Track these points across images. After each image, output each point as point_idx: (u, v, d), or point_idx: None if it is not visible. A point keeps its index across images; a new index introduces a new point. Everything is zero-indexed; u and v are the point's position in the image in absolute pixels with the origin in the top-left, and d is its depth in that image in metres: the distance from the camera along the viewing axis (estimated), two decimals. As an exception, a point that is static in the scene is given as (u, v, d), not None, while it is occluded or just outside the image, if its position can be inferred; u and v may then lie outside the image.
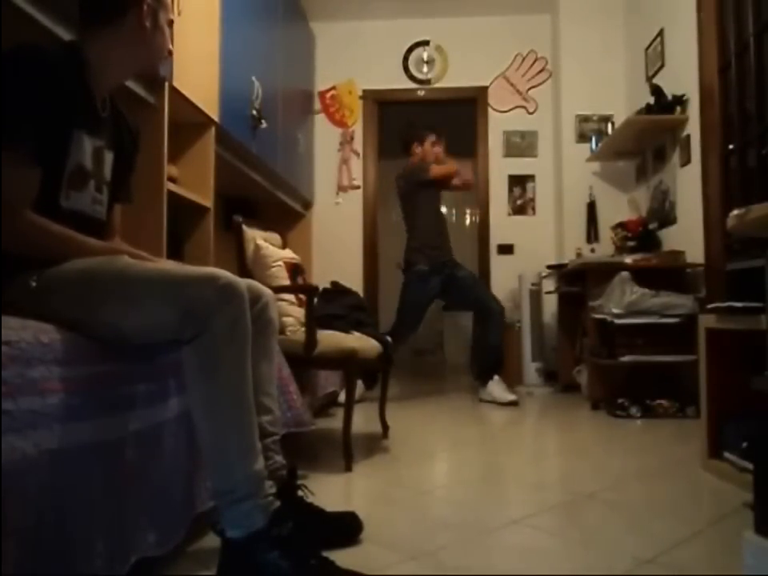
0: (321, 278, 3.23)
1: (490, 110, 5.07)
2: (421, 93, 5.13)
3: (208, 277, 1.17)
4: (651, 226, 3.98)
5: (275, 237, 2.65)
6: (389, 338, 2.54)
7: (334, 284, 2.89)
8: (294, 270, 2.48)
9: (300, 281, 2.50)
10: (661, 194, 3.96)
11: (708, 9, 3.26)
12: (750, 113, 2.92)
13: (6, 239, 1.17)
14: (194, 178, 2.67)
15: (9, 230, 1.16)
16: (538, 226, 4.96)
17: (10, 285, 1.20)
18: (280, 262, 2.41)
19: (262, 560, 1.14)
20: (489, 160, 5.06)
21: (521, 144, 5.04)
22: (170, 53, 1.48)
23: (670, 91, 3.62)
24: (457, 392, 4.38)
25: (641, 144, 4.13)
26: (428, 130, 4.00)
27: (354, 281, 4.55)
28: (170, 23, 1.45)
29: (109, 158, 1.41)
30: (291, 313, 2.28)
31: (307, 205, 4.99)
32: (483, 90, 5.07)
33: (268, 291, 1.47)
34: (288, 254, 2.55)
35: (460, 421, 3.25)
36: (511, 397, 3.60)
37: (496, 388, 3.67)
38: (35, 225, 1.20)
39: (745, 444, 1.81)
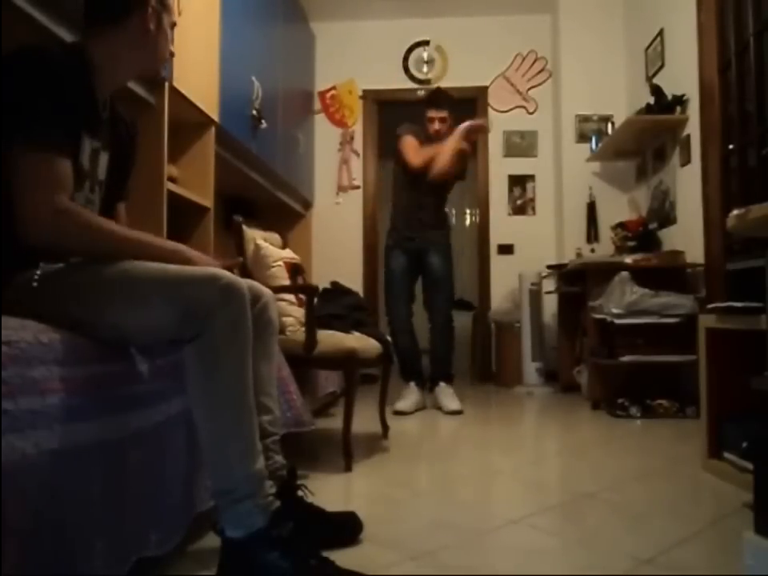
0: (321, 278, 3.22)
1: (490, 109, 5.07)
2: (421, 93, 5.10)
3: (209, 277, 1.17)
4: (651, 226, 3.98)
5: (275, 237, 2.65)
6: (388, 337, 2.54)
7: (334, 284, 2.88)
8: (294, 269, 2.48)
9: (300, 281, 2.50)
10: (661, 194, 3.96)
11: (708, 9, 3.26)
12: (750, 113, 2.91)
13: (48, 232, 1.14)
14: (194, 178, 2.67)
15: (59, 222, 1.14)
16: (538, 226, 4.96)
17: (10, 284, 1.20)
18: (280, 262, 2.41)
19: (261, 560, 1.14)
20: (489, 160, 5.06)
21: (521, 144, 5.04)
22: (172, 54, 1.48)
23: (670, 91, 3.62)
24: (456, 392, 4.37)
25: (641, 144, 4.14)
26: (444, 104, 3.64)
27: (354, 281, 4.55)
28: (173, 26, 1.45)
29: (103, 159, 1.40)
30: (291, 313, 2.28)
31: (307, 205, 4.99)
32: (483, 90, 5.07)
33: (268, 291, 1.47)
34: (288, 254, 2.56)
35: (459, 420, 3.25)
36: (454, 406, 3.40)
37: (440, 395, 3.53)
38: (98, 221, 1.22)
39: (745, 444, 1.81)
